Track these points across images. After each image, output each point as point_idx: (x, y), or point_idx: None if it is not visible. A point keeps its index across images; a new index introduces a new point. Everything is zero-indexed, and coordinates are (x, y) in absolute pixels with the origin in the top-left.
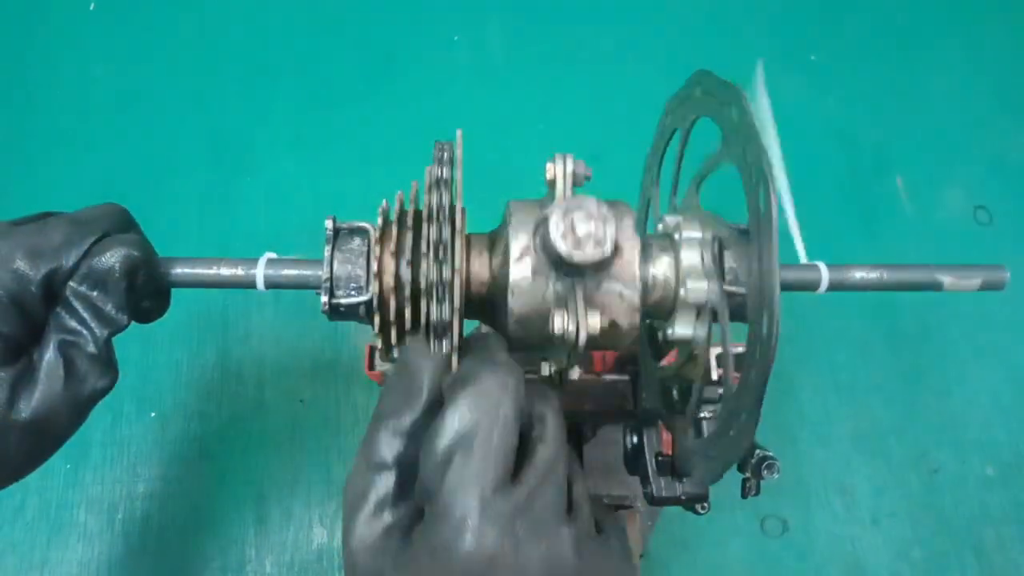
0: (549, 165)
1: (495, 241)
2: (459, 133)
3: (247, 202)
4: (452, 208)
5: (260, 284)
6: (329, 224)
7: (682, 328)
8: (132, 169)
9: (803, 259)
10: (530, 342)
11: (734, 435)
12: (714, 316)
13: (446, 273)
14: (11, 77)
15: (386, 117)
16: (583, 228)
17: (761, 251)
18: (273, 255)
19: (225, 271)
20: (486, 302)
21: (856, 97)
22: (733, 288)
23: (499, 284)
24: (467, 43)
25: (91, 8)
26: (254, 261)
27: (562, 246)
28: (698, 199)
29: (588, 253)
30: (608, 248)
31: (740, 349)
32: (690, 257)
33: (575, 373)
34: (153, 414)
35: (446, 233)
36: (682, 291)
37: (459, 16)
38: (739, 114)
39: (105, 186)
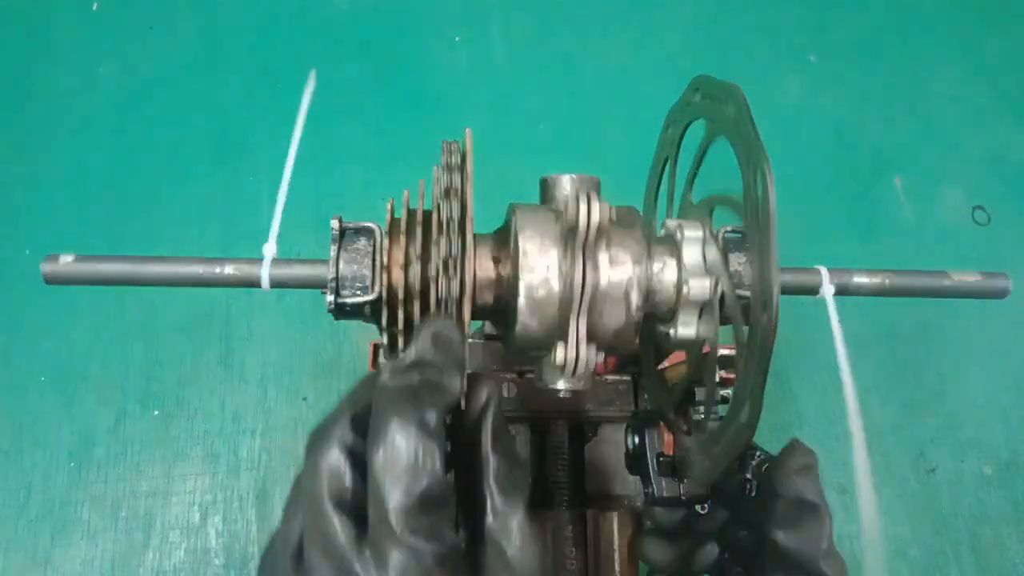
0: (572, 211)
1: (501, 244)
2: (468, 132)
3: (249, 201)
4: (462, 222)
5: (265, 283)
6: (335, 224)
7: (685, 329)
8: (135, 169)
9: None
10: (536, 348)
11: (732, 435)
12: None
13: (454, 288)
14: (14, 77)
15: (388, 117)
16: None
17: (761, 254)
18: (271, 249)
19: (230, 270)
20: (494, 308)
21: (855, 97)
22: (737, 291)
23: (508, 292)
24: (468, 43)
25: (94, 8)
26: (259, 261)
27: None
28: (691, 195)
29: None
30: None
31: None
32: (692, 256)
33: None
34: (156, 412)
35: (455, 248)
36: (684, 289)
37: (460, 17)
38: (736, 112)
39: (108, 186)
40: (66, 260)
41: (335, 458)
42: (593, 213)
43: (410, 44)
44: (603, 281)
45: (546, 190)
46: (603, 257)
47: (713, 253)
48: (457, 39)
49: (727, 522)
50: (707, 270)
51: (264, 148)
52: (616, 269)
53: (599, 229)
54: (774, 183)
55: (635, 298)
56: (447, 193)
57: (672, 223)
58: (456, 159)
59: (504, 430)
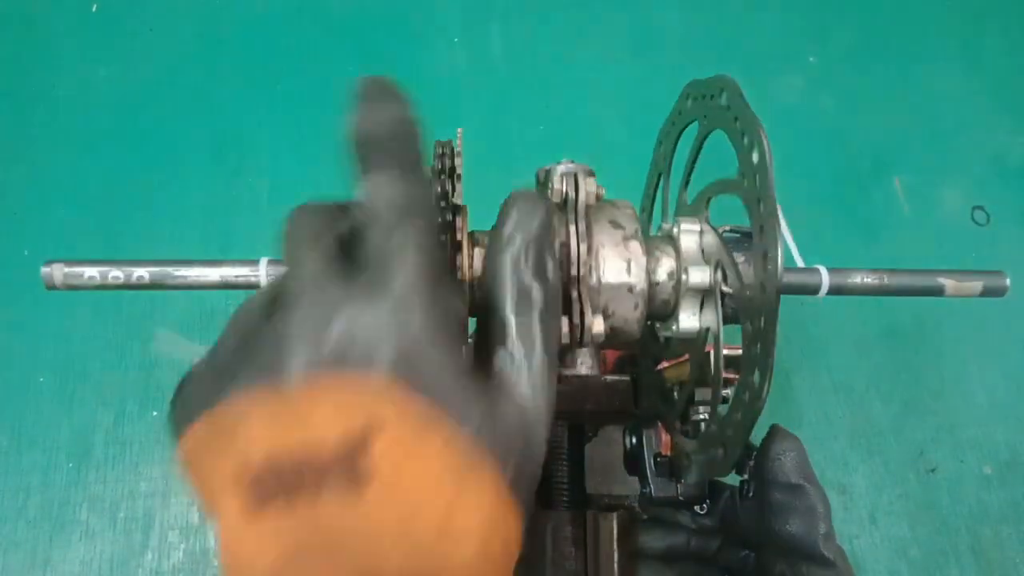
0: (558, 186)
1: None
2: (459, 132)
3: (249, 203)
4: (455, 237)
5: (264, 284)
6: None
7: (686, 321)
8: (134, 170)
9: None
10: None
11: (729, 437)
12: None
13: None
14: (13, 78)
15: None
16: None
17: (764, 258)
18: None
19: (229, 272)
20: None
21: (854, 98)
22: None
23: None
24: (467, 44)
25: (93, 10)
26: (256, 263)
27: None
28: (707, 213)
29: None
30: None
31: (738, 351)
32: (689, 246)
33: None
34: (155, 413)
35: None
36: (684, 276)
37: (459, 18)
38: (728, 98)
39: (107, 187)
40: (63, 266)
41: (320, 205)
42: (580, 186)
43: (409, 45)
44: (598, 248)
45: (540, 183)
46: (597, 227)
47: (710, 239)
48: (456, 40)
49: (724, 544)
50: (705, 258)
51: (264, 149)
52: (613, 233)
53: (588, 205)
54: (770, 147)
55: (637, 296)
56: (444, 196)
57: (667, 224)
58: (447, 163)
59: (540, 264)
